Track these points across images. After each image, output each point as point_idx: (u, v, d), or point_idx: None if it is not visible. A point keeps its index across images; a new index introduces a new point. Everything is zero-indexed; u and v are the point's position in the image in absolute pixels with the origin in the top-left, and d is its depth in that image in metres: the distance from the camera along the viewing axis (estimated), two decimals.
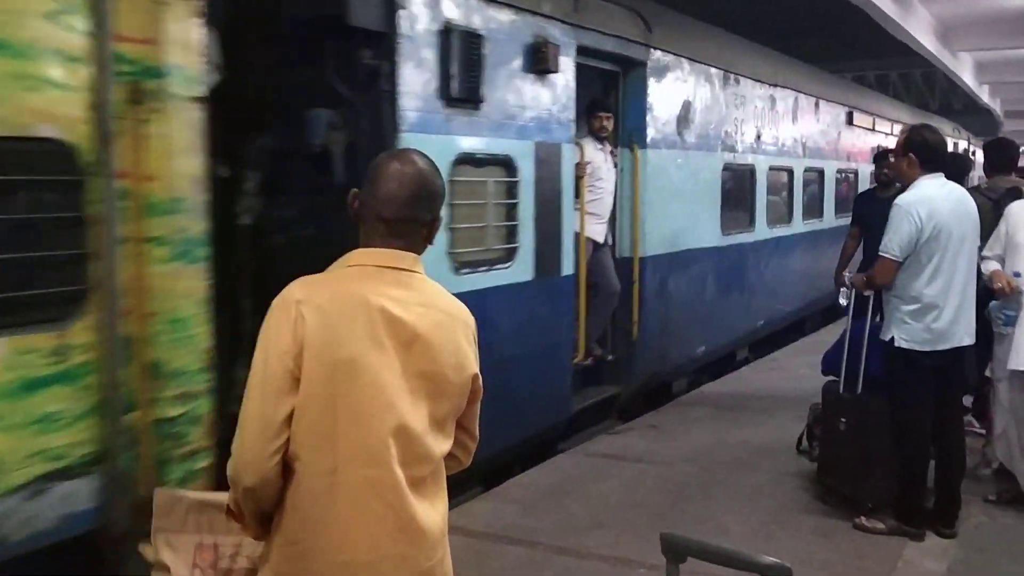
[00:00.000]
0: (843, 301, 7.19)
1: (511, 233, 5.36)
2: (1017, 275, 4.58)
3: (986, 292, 4.77)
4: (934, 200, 4.31)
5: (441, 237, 3.97)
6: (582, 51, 5.93)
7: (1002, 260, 4.76)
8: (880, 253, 4.40)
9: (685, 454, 5.88)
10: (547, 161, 5.55)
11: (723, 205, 8.22)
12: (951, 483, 4.52)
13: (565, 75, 5.70)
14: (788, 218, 10.24)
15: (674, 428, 6.51)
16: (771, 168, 9.49)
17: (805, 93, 10.58)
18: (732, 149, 8.45)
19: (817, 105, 11.03)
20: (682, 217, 7.48)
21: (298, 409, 1.86)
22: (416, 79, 4.49)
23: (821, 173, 11.31)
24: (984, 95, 30.75)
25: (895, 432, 4.46)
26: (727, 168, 8.35)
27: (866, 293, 4.82)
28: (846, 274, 7.03)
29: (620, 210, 6.81)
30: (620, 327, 6.78)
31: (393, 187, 1.98)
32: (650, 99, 6.91)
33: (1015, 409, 4.74)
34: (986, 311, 4.80)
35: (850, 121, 12.32)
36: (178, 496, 2.46)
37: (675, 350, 7.47)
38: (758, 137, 9.07)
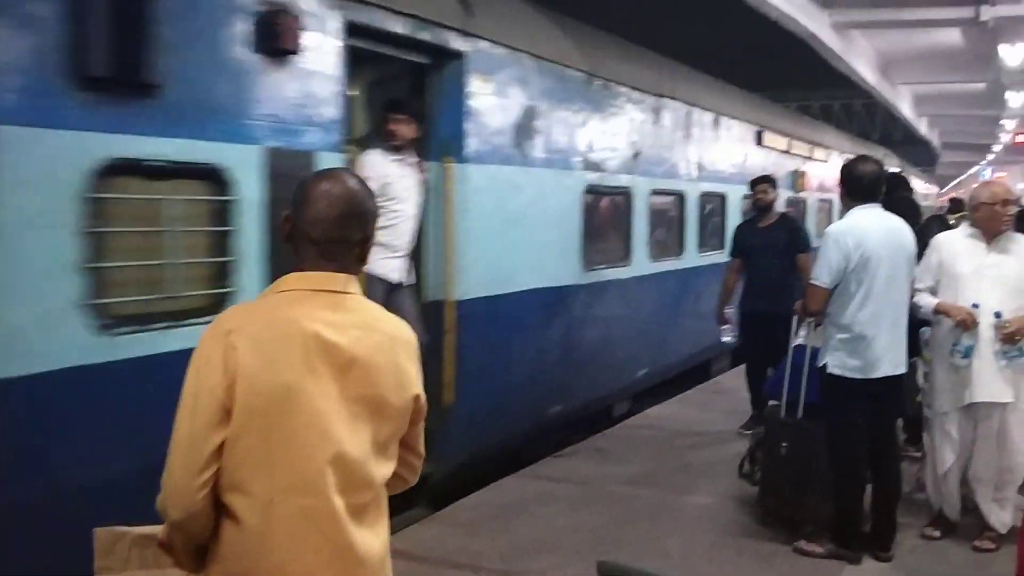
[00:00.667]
0: (726, 339, 7.11)
1: (221, 274, 3.87)
2: (976, 306, 4.58)
3: (916, 322, 4.82)
4: (864, 229, 4.42)
5: (72, 281, 3.17)
6: (356, 31, 4.61)
7: (933, 292, 4.71)
8: (810, 281, 4.51)
9: (630, 477, 5.92)
10: (288, 175, 3.97)
11: (586, 235, 6.92)
12: (887, 507, 4.61)
13: (323, 60, 4.35)
14: (679, 249, 9.07)
15: (619, 451, 6.56)
16: (655, 192, 8.27)
17: (702, 107, 9.42)
18: (599, 168, 7.18)
19: (717, 121, 9.92)
20: (522, 249, 6.12)
21: (231, 440, 1.82)
22: (16, 43, 3.10)
23: (723, 199, 10.13)
24: (922, 127, 31.70)
25: (831, 457, 4.56)
26: (592, 191, 7.12)
27: (806, 321, 4.93)
28: (727, 310, 7.10)
29: (428, 241, 5.46)
30: (428, 391, 5.04)
31: (322, 208, 1.95)
32: (472, 101, 5.56)
33: (963, 437, 4.73)
34: (922, 342, 4.87)
35: (759, 141, 11.27)
36: (120, 532, 2.40)
37: (514, 415, 6.17)
38: (637, 155, 7.82)
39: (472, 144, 5.60)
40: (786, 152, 12.26)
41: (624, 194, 7.76)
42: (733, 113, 10.42)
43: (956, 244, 4.75)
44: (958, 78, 22.15)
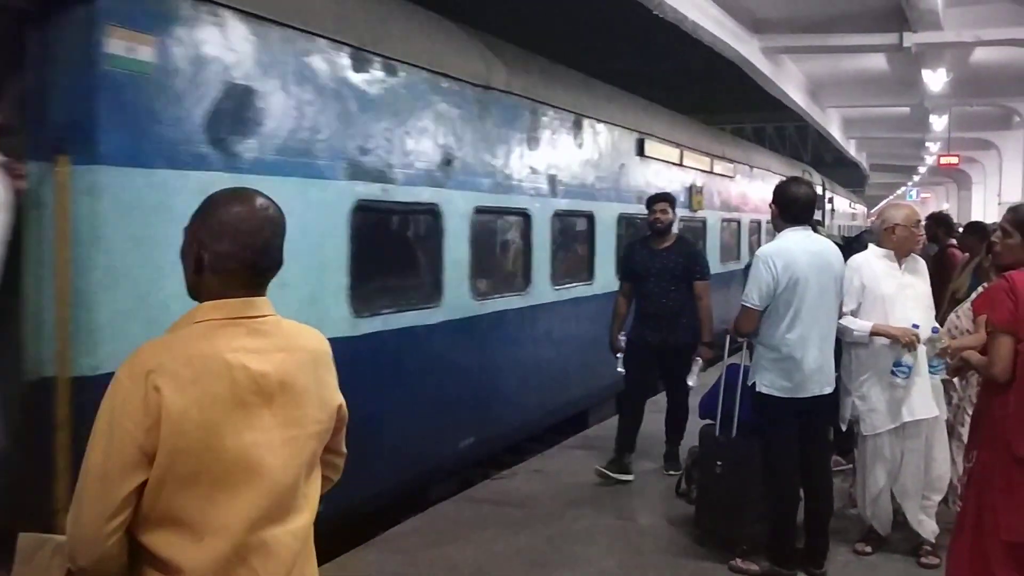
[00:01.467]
0: (620, 369, 6.40)
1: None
2: (916, 327, 4.64)
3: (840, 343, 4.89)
4: (792, 252, 4.50)
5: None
6: None
7: (854, 314, 4.75)
8: (742, 302, 4.57)
9: (569, 498, 5.92)
10: None
11: (357, 269, 5.08)
12: (819, 524, 4.68)
13: None
14: (523, 283, 7.28)
15: (558, 471, 6.55)
16: (481, 210, 6.50)
17: (556, 106, 7.64)
18: (383, 178, 5.36)
19: (579, 125, 8.02)
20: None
21: (155, 483, 1.76)
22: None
23: (591, 219, 8.34)
24: (851, 149, 32.57)
25: (766, 475, 4.62)
26: (368, 208, 5.22)
27: (739, 340, 5.00)
28: (621, 336, 6.44)
29: (29, 283, 3.61)
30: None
31: (235, 232, 1.88)
32: (116, 68, 3.70)
33: (893, 454, 4.82)
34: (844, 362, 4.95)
35: (641, 151, 9.46)
36: (43, 539, 2.31)
37: None
38: (448, 163, 6.05)
39: (114, 137, 3.71)
40: (677, 164, 10.50)
41: (429, 212, 5.95)
42: (603, 116, 8.55)
43: (875, 265, 4.85)
44: (884, 102, 22.88)
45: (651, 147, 9.68)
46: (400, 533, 5.25)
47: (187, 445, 1.77)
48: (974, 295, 5.04)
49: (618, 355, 6.46)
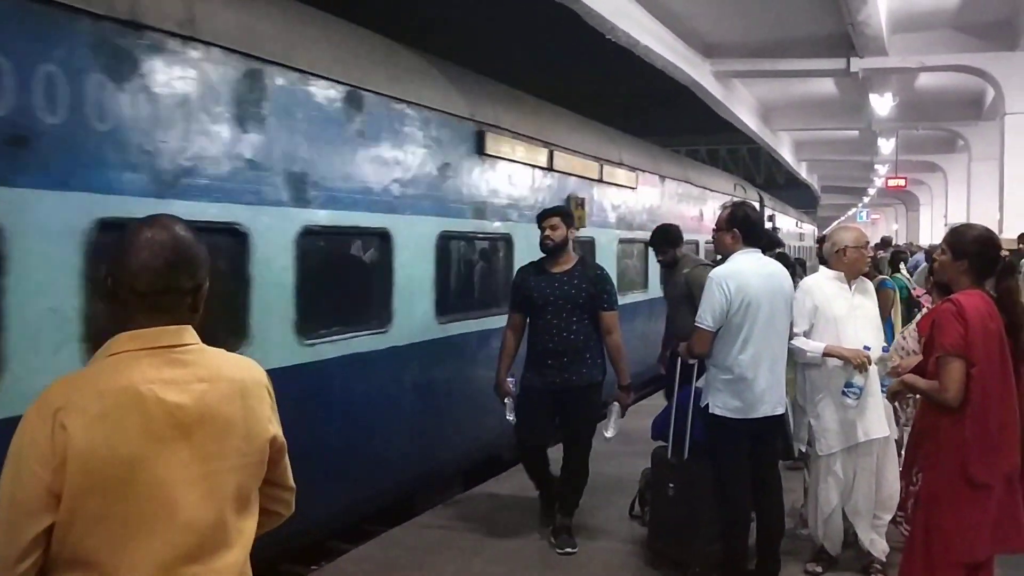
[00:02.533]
0: (510, 417, 5.45)
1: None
2: (868, 348, 4.69)
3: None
4: (744, 274, 4.55)
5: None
6: None
7: (807, 335, 4.79)
8: (695, 323, 4.60)
9: (522, 521, 5.88)
10: None
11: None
12: (771, 544, 4.70)
13: None
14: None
15: (513, 495, 6.51)
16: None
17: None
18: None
19: (357, 104, 5.62)
20: None
21: (63, 524, 1.69)
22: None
23: (384, 238, 5.97)
24: (803, 171, 33.15)
25: (718, 496, 4.63)
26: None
27: (690, 361, 5.02)
28: (510, 379, 5.49)
29: None
30: None
31: (145, 257, 1.82)
32: None
33: (846, 474, 4.85)
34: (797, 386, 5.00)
35: (482, 149, 7.36)
36: None
37: None
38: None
39: None
40: (545, 169, 8.30)
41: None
42: (411, 94, 6.23)
43: (826, 287, 4.91)
44: (833, 125, 23.35)
45: (498, 144, 7.31)
46: (351, 560, 5.17)
47: (95, 484, 1.70)
48: (919, 316, 5.13)
49: (506, 400, 5.50)
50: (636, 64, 12.98)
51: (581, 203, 9.15)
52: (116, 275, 1.83)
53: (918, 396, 4.05)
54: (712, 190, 14.32)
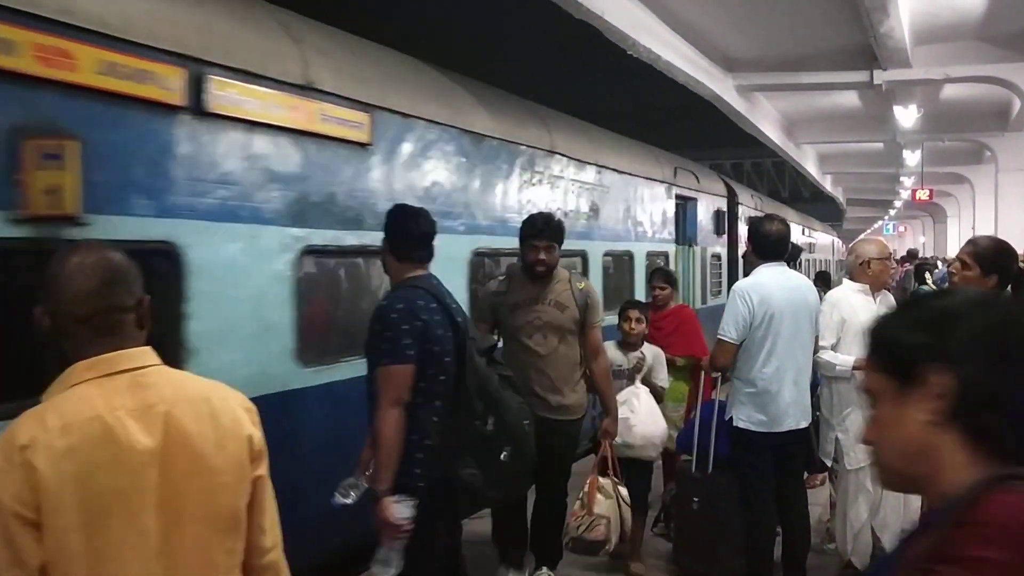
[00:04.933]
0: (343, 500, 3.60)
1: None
2: None
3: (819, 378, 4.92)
4: (767, 286, 4.55)
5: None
6: None
7: (834, 349, 4.79)
8: (718, 336, 4.61)
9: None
10: None
11: None
12: (796, 558, 4.68)
13: None
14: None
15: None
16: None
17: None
18: None
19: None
20: None
21: (54, 566, 1.64)
22: None
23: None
24: (827, 184, 32.96)
25: (742, 510, 4.62)
26: None
27: (713, 375, 5.02)
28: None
29: None
30: None
31: (80, 282, 1.77)
32: None
33: (876, 491, 4.80)
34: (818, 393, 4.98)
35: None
36: None
37: None
38: None
39: None
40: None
41: None
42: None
43: (852, 300, 4.91)
44: (858, 138, 23.20)
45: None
46: None
47: (70, 522, 1.65)
48: None
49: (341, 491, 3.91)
50: (658, 79, 13.01)
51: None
52: (54, 308, 1.78)
53: None
54: (631, 174, 9.75)
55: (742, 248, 11.86)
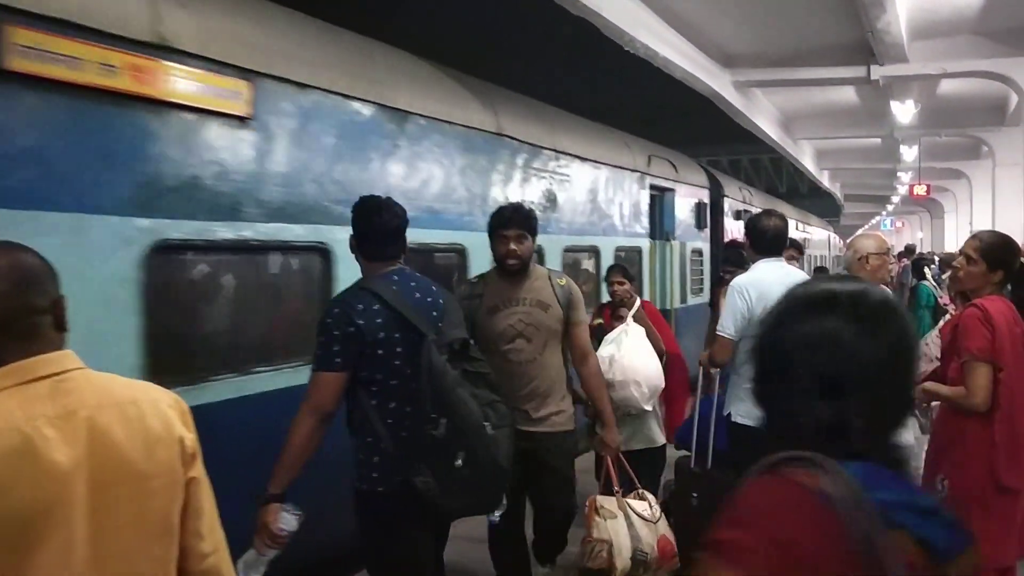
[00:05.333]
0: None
1: None
2: None
3: None
4: (765, 282, 4.55)
5: None
6: None
7: None
8: (716, 331, 4.62)
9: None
10: None
11: None
12: None
13: None
14: None
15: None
16: None
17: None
18: None
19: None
20: None
21: None
22: None
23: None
24: (825, 179, 32.97)
25: None
26: None
27: (713, 371, 5.03)
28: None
29: None
30: None
31: None
32: None
33: None
34: None
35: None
36: None
37: None
38: None
39: None
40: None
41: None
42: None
43: None
44: (855, 133, 23.24)
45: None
46: None
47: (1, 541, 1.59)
48: (941, 322, 5.11)
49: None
50: (655, 75, 13.01)
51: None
52: None
53: (934, 403, 4.03)
54: (597, 161, 8.74)
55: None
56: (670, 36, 12.09)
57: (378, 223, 3.45)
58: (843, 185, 39.77)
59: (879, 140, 24.26)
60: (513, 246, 4.16)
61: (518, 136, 7.21)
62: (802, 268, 7.60)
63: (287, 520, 3.13)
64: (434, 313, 3.41)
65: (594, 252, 8.60)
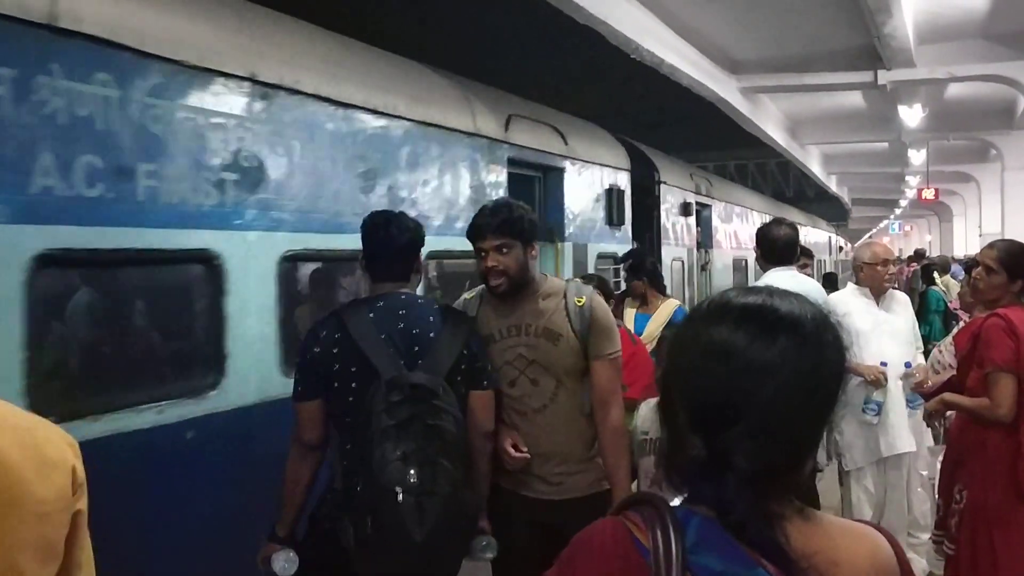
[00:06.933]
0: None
1: None
2: (884, 364, 4.73)
3: None
4: None
5: None
6: None
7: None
8: None
9: None
10: None
11: None
12: None
13: None
14: None
15: None
16: None
17: None
18: None
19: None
20: None
21: None
22: None
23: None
24: (832, 184, 32.93)
25: None
26: None
27: None
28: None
29: None
30: None
31: None
32: None
33: (877, 488, 4.89)
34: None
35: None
36: None
37: None
38: None
39: None
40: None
41: None
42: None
43: (850, 302, 4.97)
44: (862, 138, 23.18)
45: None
46: None
47: None
48: (956, 330, 5.10)
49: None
50: (661, 82, 13.00)
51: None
52: None
53: (949, 413, 4.00)
54: (386, 114, 5.00)
55: (673, 248, 9.67)
56: (677, 43, 12.10)
57: (381, 240, 3.11)
58: (851, 189, 39.69)
59: (887, 144, 24.21)
60: (492, 261, 3.19)
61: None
62: (812, 275, 7.34)
63: (282, 565, 2.97)
64: (415, 348, 2.95)
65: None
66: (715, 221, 12.13)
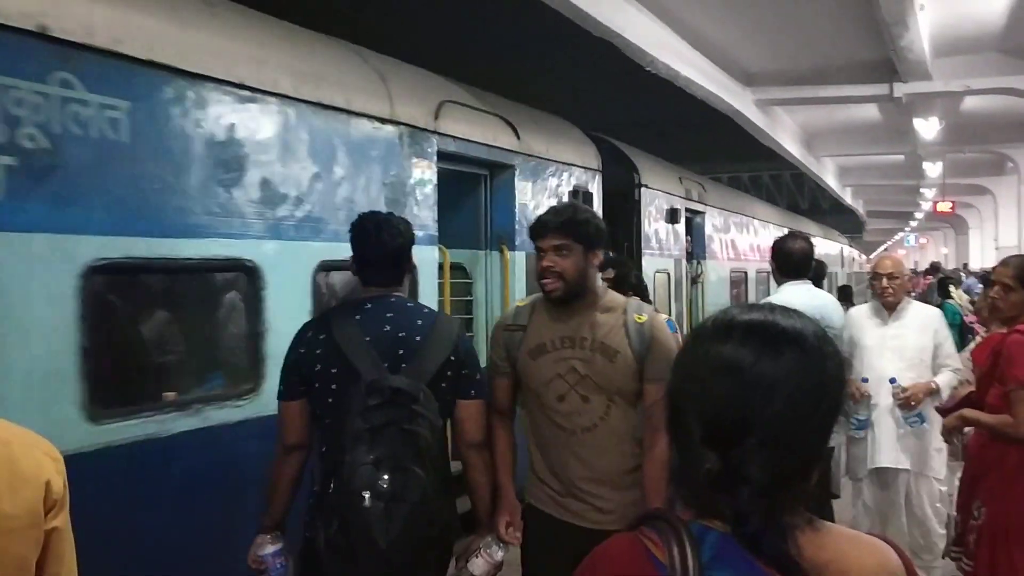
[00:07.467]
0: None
1: None
2: (865, 380, 4.79)
3: None
4: (791, 304, 4.53)
5: None
6: None
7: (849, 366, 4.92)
8: None
9: None
10: None
11: None
12: None
13: None
14: None
15: None
16: None
17: None
18: None
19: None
20: None
21: None
22: None
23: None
24: (847, 196, 32.83)
25: None
26: None
27: None
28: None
29: None
30: None
31: None
32: None
33: (877, 504, 4.97)
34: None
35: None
36: None
37: None
38: None
39: None
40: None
41: None
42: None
43: (863, 317, 5.04)
44: (878, 150, 23.12)
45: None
46: None
47: None
48: (972, 345, 5.09)
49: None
50: (676, 94, 13.00)
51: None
52: None
53: (968, 429, 3.99)
54: (285, 97, 4.25)
55: (657, 258, 8.75)
56: (692, 56, 12.12)
57: (371, 244, 3.06)
58: (866, 201, 39.56)
59: (902, 156, 24.13)
60: (548, 262, 3.06)
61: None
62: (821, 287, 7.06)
63: (265, 548, 3.04)
64: (399, 352, 2.90)
65: (238, 271, 4.06)
66: (709, 230, 11.37)
